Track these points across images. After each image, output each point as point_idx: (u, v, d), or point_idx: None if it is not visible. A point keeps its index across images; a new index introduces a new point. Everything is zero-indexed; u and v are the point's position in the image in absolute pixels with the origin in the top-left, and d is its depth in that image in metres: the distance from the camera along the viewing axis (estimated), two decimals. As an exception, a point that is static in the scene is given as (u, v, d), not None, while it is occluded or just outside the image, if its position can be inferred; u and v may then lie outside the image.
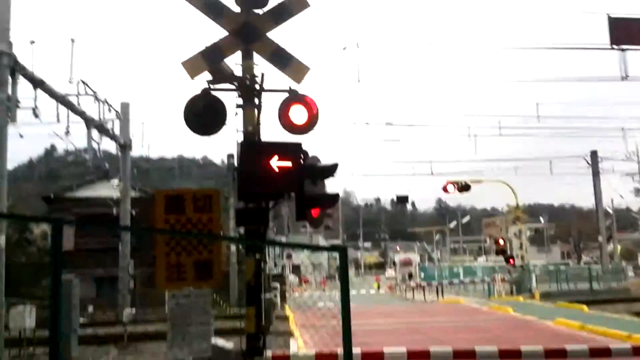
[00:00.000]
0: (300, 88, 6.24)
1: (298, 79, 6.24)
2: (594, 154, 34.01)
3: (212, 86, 6.25)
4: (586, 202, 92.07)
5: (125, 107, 23.38)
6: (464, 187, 29.75)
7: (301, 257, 72.13)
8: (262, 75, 6.23)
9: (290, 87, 6.22)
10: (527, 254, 33.20)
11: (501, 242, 32.13)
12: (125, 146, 23.52)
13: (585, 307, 22.28)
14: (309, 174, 5.83)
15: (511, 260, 31.67)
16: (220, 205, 6.89)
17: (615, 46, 12.37)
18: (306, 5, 6.41)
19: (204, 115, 6.05)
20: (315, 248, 23.55)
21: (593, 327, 15.64)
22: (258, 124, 6.20)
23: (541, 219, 63.77)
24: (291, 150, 5.64)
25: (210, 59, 6.21)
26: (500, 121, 25.64)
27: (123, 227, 22.36)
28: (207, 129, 6.26)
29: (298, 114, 6.08)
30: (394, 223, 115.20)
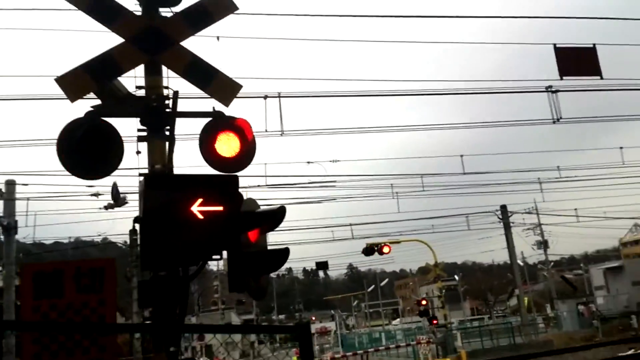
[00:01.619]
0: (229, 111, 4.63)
1: (225, 99, 4.62)
2: (503, 208, 34.73)
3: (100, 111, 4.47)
4: (486, 258, 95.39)
5: (10, 184, 21.00)
6: (383, 249, 28.79)
7: (210, 336, 67.53)
8: (176, 94, 4.54)
9: (214, 109, 4.58)
10: (449, 313, 32.57)
11: (424, 302, 31.22)
12: (9, 228, 20.85)
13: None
14: (249, 224, 4.14)
15: (434, 321, 30.81)
16: (117, 281, 4.98)
17: (549, 88, 12.08)
18: (232, 8, 4.91)
19: (88, 149, 4.20)
20: (272, 330, 20.95)
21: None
22: (170, 160, 4.44)
23: (456, 277, 64.81)
24: (223, 188, 3.91)
25: (99, 75, 4.46)
26: (423, 179, 25.12)
27: None
28: (93, 169, 4.39)
29: (227, 144, 4.40)
30: (308, 292, 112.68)
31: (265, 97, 11.73)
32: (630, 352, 21.43)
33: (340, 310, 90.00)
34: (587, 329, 31.67)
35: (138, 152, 4.74)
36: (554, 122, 12.48)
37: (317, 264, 38.50)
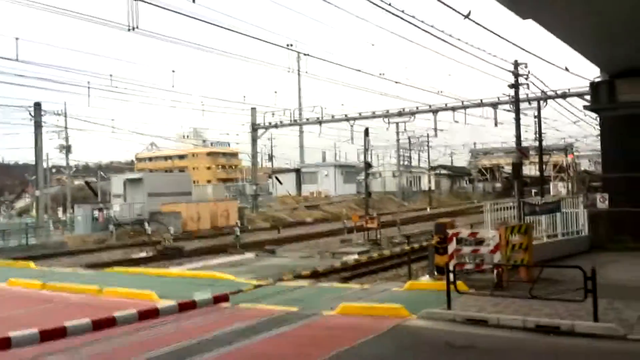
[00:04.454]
0: None
1: None
2: (38, 106, 32.85)
3: None
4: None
5: None
6: None
7: None
8: None
9: None
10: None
11: None
12: None
13: (32, 264, 21.29)
14: None
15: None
16: None
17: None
18: None
19: None
20: None
21: (57, 285, 14.98)
22: None
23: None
24: None
25: None
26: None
27: None
28: None
29: None
30: None
31: None
32: (143, 255, 24.45)
33: None
34: (100, 232, 33.87)
35: None
36: (129, 30, 12.66)
37: None
